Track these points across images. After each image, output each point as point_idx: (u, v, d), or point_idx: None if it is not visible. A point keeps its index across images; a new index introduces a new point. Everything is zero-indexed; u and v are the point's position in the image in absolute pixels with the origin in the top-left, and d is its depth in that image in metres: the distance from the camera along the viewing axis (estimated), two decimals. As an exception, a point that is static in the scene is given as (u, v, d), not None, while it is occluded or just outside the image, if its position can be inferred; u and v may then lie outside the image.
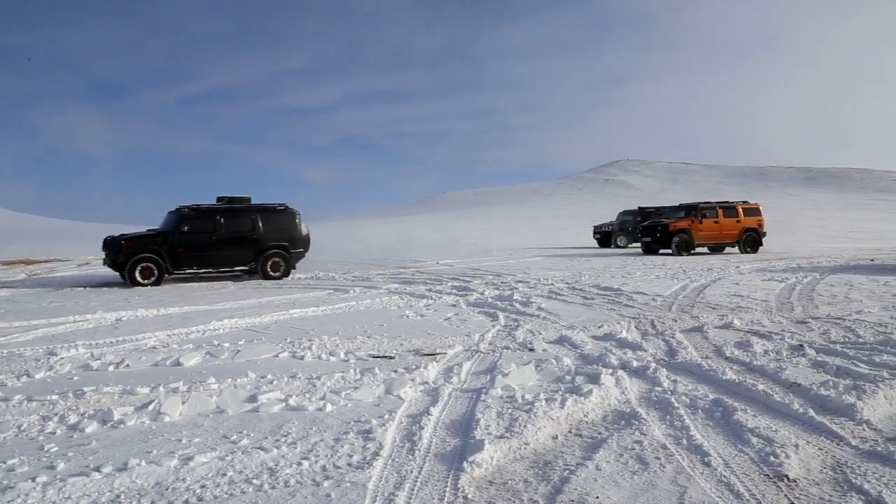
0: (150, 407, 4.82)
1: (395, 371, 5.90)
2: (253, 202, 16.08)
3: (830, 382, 5.25)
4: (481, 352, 6.74)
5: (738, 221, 22.68)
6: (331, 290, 12.27)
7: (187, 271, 14.98)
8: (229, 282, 14.55)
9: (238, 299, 11.13)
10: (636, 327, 8.01)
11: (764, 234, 23.21)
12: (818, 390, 5.06)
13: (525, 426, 4.30)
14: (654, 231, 22.62)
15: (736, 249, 23.26)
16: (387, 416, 4.60)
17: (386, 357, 6.59)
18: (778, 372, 5.67)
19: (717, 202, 23.25)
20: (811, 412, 4.58)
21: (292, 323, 8.72)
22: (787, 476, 3.57)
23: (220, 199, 16.01)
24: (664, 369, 5.84)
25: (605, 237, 27.74)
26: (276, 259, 15.61)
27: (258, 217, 15.63)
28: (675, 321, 8.39)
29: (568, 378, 5.50)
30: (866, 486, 3.43)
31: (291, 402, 4.95)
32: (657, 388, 5.25)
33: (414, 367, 6.04)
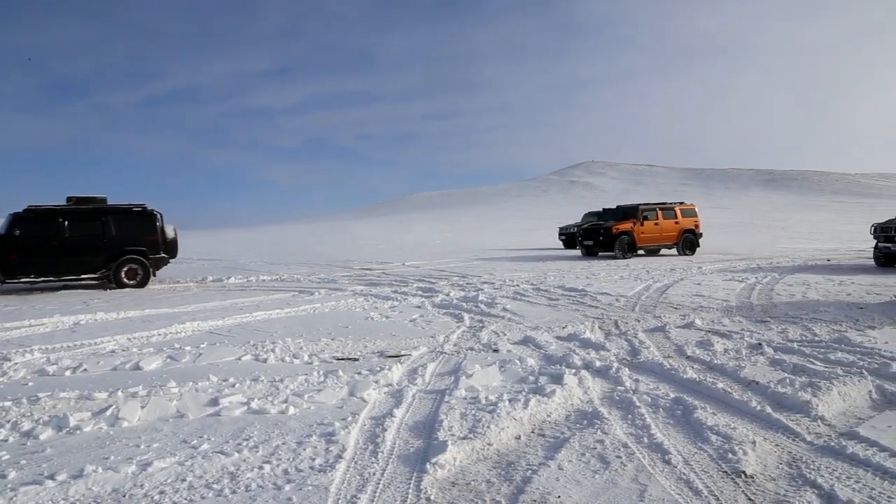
0: (108, 412, 4.73)
1: (359, 373, 5.88)
2: (105, 203, 14.71)
3: (787, 380, 5.38)
4: (446, 353, 6.76)
5: (676, 223, 22.00)
6: (295, 292, 12.17)
7: (23, 280, 13.52)
8: (192, 284, 14.32)
9: (201, 301, 10.98)
10: (600, 328, 8.10)
11: (700, 235, 22.68)
12: (775, 388, 5.18)
13: (488, 427, 4.32)
14: (596, 234, 21.56)
15: (674, 251, 22.56)
16: (350, 419, 4.59)
17: (350, 359, 6.57)
18: (737, 370, 5.79)
19: (656, 203, 22.57)
20: (768, 409, 4.69)
21: (256, 325, 8.63)
22: (744, 472, 3.65)
23: (69, 200, 14.51)
24: (626, 369, 5.92)
25: (570, 238, 27.94)
26: (133, 265, 14.19)
27: (110, 219, 14.17)
28: (638, 321, 8.51)
29: (531, 378, 5.54)
30: (819, 481, 3.52)
31: (254, 405, 4.90)
32: (619, 388, 5.32)
33: (378, 368, 6.03)
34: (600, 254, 21.63)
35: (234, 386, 5.48)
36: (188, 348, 7.00)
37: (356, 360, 6.54)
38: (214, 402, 4.98)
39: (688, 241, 22.13)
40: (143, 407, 4.82)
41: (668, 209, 22.18)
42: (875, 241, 15.92)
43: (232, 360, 6.52)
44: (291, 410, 4.79)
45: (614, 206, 30.45)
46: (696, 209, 23.11)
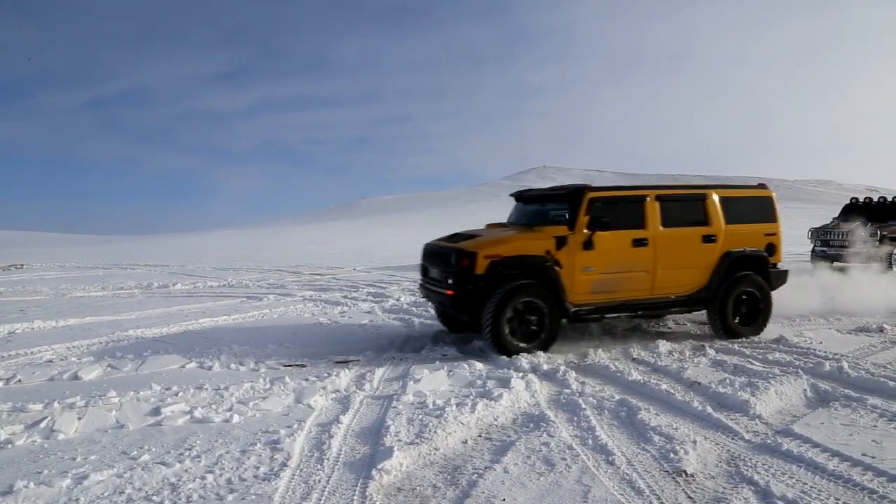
0: (43, 424, 4.56)
1: (307, 379, 5.81)
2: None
3: (728, 380, 5.54)
4: (395, 358, 6.73)
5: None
6: (244, 298, 11.95)
7: None
8: (136, 289, 13.92)
9: (145, 308, 10.68)
10: (548, 331, 8.16)
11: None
12: (716, 388, 5.33)
13: (435, 431, 4.33)
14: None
15: None
16: (296, 426, 4.54)
17: (298, 365, 6.48)
18: (680, 371, 5.93)
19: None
20: (709, 409, 4.83)
21: (202, 332, 8.44)
22: (685, 471, 3.75)
23: None
24: (574, 372, 6.01)
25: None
26: None
27: None
28: (586, 324, 8.59)
29: (479, 383, 5.57)
30: (756, 477, 3.64)
31: (197, 413, 4.80)
32: (566, 391, 5.39)
33: (326, 375, 5.97)
34: None
35: (177, 395, 5.35)
36: (130, 357, 6.81)
37: (304, 366, 6.47)
38: (156, 411, 4.86)
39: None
40: (80, 418, 4.67)
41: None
42: (812, 245, 16.53)
43: (176, 367, 6.37)
44: (236, 418, 4.71)
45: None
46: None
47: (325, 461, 3.95)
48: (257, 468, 3.82)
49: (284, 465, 3.86)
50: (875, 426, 4.45)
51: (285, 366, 6.47)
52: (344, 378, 5.84)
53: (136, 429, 4.55)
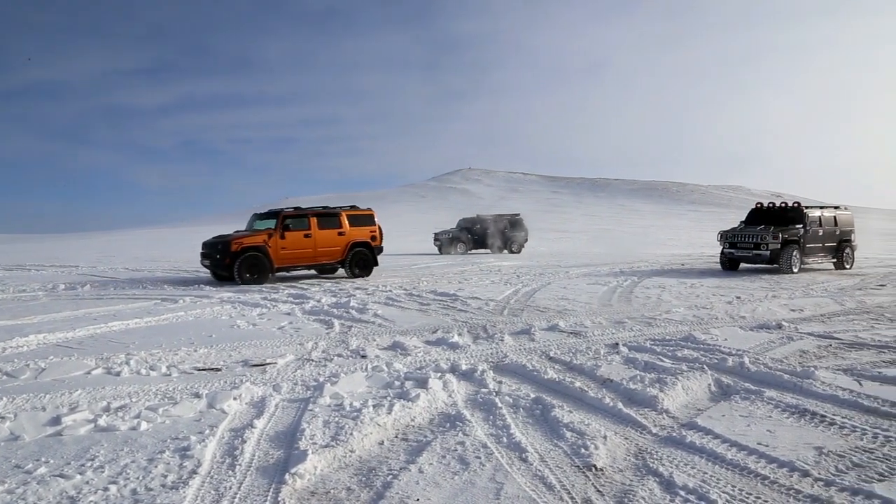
0: (-72, 437, 4.27)
1: (221, 383, 5.67)
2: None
3: (638, 377, 5.74)
4: (313, 360, 6.65)
5: (341, 234, 16.17)
6: (158, 300, 11.53)
7: None
8: (40, 291, 13.21)
9: (49, 312, 10.14)
10: (468, 331, 8.27)
11: (380, 251, 17.09)
12: (627, 385, 5.51)
13: (351, 434, 4.30)
14: (214, 251, 15.08)
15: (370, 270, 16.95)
16: (207, 432, 4.41)
17: (212, 369, 6.32)
18: (594, 369, 6.10)
19: (308, 208, 16.57)
20: (620, 405, 4.99)
21: (111, 336, 8.10)
22: (595, 466, 3.86)
23: None
24: (491, 371, 6.09)
25: (445, 243, 28.40)
26: None
27: None
28: (506, 324, 8.76)
29: (397, 384, 5.57)
30: (661, 469, 3.79)
31: (101, 422, 4.59)
32: (483, 390, 5.45)
33: (241, 378, 5.84)
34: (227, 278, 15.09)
35: (80, 402, 5.11)
36: (30, 364, 6.45)
37: (219, 370, 6.30)
38: (56, 420, 4.62)
39: (360, 259, 16.48)
40: (-30, 430, 4.39)
41: (328, 215, 16.33)
42: (721, 248, 17.34)
43: (80, 374, 6.08)
44: (144, 426, 4.53)
45: (490, 215, 30.83)
46: (375, 215, 17.35)
47: (238, 467, 3.86)
48: (165, 476, 3.70)
49: (194, 472, 3.75)
50: (770, 416, 4.71)
51: (199, 370, 6.29)
52: (260, 381, 5.73)
53: (33, 440, 4.32)
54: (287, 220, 15.44)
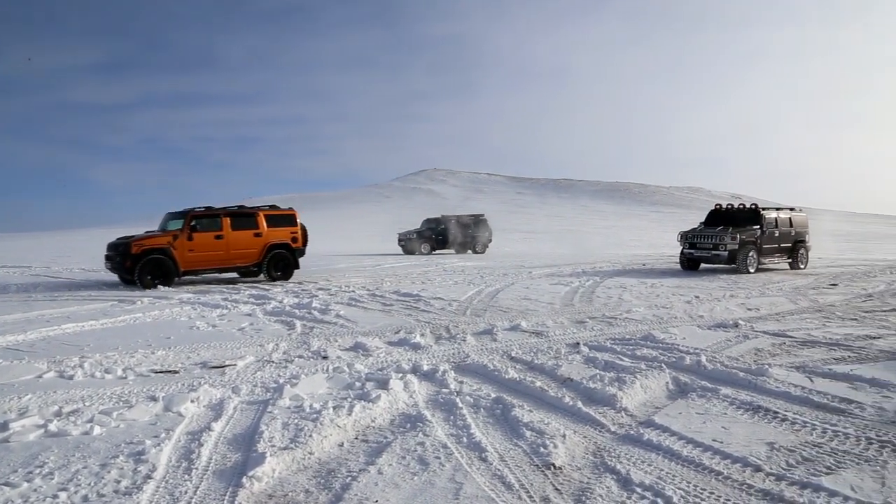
0: None
1: (178, 386, 5.57)
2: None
3: (598, 376, 5.80)
4: (273, 362, 6.58)
5: (258, 235, 15.27)
6: (114, 302, 11.28)
7: None
8: (13, 293, 12.80)
9: None
10: (431, 332, 8.26)
11: (302, 253, 16.33)
12: (587, 384, 5.56)
13: (311, 435, 4.26)
14: (116, 253, 14.20)
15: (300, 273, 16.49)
16: (163, 435, 4.33)
17: (170, 372, 6.20)
18: (555, 369, 6.14)
19: (221, 208, 15.32)
20: (579, 404, 5.03)
21: (64, 339, 7.89)
22: (553, 464, 3.89)
23: None
24: (453, 371, 6.09)
25: (409, 244, 28.37)
26: None
27: None
28: (469, 325, 8.77)
29: (358, 385, 5.53)
30: (618, 467, 3.83)
31: (52, 427, 4.47)
32: (444, 390, 5.45)
33: (199, 381, 5.75)
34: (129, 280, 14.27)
35: (30, 407, 4.97)
36: (-22, 367, 6.25)
37: (176, 372, 6.19)
38: (4, 426, 4.47)
39: (279, 261, 15.63)
40: (-88, 437, 4.24)
41: (243, 215, 15.41)
42: (681, 248, 17.65)
43: (31, 378, 5.91)
44: (97, 430, 4.43)
45: (454, 215, 30.85)
46: (297, 215, 16.49)
47: (194, 471, 3.79)
48: (118, 482, 3.61)
49: (149, 477, 3.68)
50: (725, 414, 4.80)
51: (156, 373, 6.17)
52: (218, 384, 5.64)
53: (-20, 446, 4.18)
54: (195, 220, 14.58)
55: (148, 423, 4.62)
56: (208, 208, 15.18)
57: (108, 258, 14.66)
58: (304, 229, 16.33)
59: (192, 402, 5.02)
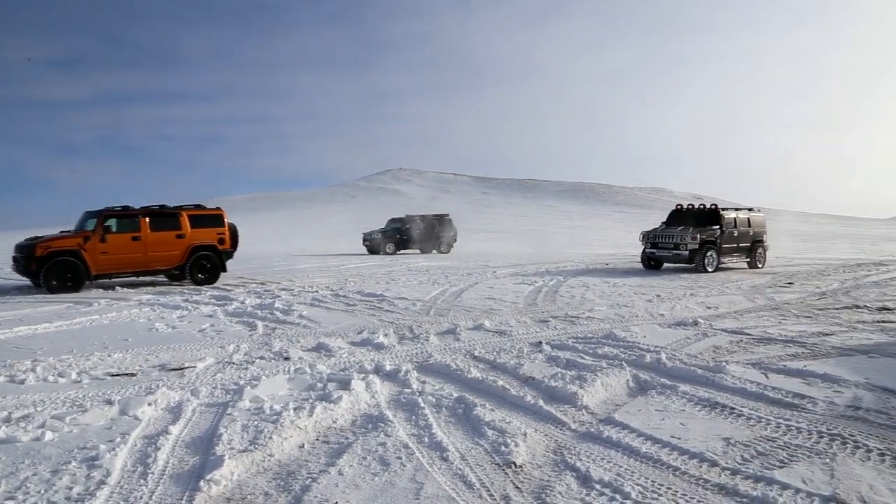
0: None
1: (135, 389, 5.46)
2: None
3: (560, 374, 5.84)
4: (234, 363, 6.48)
5: (180, 236, 14.39)
6: (70, 304, 11.01)
7: None
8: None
9: (-52, 318, 9.53)
10: (394, 332, 8.24)
11: (230, 256, 15.50)
12: (549, 382, 5.59)
13: (270, 437, 4.21)
14: (21, 255, 13.40)
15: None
16: (119, 440, 4.23)
17: (127, 374, 6.07)
18: (517, 368, 6.17)
19: (141, 208, 14.42)
20: (541, 402, 5.07)
21: (16, 342, 7.67)
22: (514, 463, 3.90)
23: None
24: (415, 371, 6.08)
25: (374, 244, 28.26)
26: None
27: None
28: (432, 324, 8.77)
29: (320, 385, 5.49)
30: (578, 464, 3.87)
31: (0, 433, 4.34)
32: (406, 390, 5.44)
33: (157, 383, 5.64)
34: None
35: (-23, 413, 4.82)
36: (-77, 372, 6.04)
37: (134, 375, 6.07)
38: (-52, 434, 4.34)
39: (203, 264, 14.72)
40: None
41: (164, 215, 14.49)
42: (643, 247, 17.90)
43: (-20, 383, 5.74)
44: (49, 436, 4.31)
45: (419, 215, 30.69)
46: (224, 215, 15.61)
47: (150, 475, 3.71)
48: (70, 489, 3.52)
49: (102, 482, 3.59)
50: (683, 410, 4.88)
51: (113, 376, 6.03)
52: (177, 386, 5.54)
53: (-76, 454, 4.04)
54: (109, 220, 13.68)
55: (103, 428, 4.51)
56: (125, 208, 14.26)
57: (14, 260, 13.82)
58: (233, 230, 15.56)
59: (149, 405, 4.92)
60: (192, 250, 14.57)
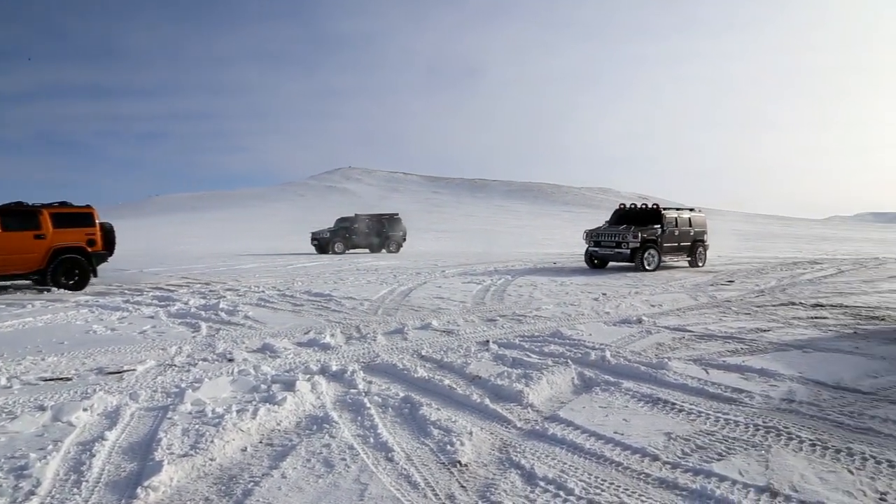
0: None
1: (70, 394, 5.26)
2: None
3: (506, 373, 5.88)
4: (176, 366, 6.31)
5: (39, 237, 12.84)
6: (1, 306, 10.56)
7: None
8: None
9: None
10: (341, 332, 8.16)
11: (103, 259, 14.08)
12: (495, 381, 5.62)
13: (212, 441, 4.12)
14: None
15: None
16: (51, 447, 4.07)
17: (61, 379, 5.85)
18: (464, 367, 6.19)
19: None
20: (487, 401, 5.08)
21: (-58, 347, 7.31)
22: (459, 462, 3.90)
23: None
24: (362, 371, 6.03)
25: (322, 243, 27.98)
26: None
27: None
28: (380, 324, 8.72)
29: (264, 387, 5.39)
30: (523, 462, 3.89)
31: (-78, 442, 4.12)
32: (352, 391, 5.39)
33: (94, 388, 5.45)
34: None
35: None
36: None
37: (69, 379, 5.85)
38: None
39: (68, 268, 13.27)
40: None
41: (23, 214, 12.92)
42: (587, 246, 18.19)
43: None
44: (-26, 445, 4.12)
45: (369, 214, 30.54)
46: (95, 214, 14.06)
47: (84, 484, 3.58)
48: (-4, 500, 3.37)
49: (31, 493, 3.44)
50: (626, 406, 4.97)
51: (46, 380, 5.80)
52: (115, 390, 5.37)
53: None
54: None
55: (34, 435, 4.34)
56: None
57: None
58: (107, 230, 14.15)
59: (84, 410, 4.75)
60: (55, 253, 13.05)
